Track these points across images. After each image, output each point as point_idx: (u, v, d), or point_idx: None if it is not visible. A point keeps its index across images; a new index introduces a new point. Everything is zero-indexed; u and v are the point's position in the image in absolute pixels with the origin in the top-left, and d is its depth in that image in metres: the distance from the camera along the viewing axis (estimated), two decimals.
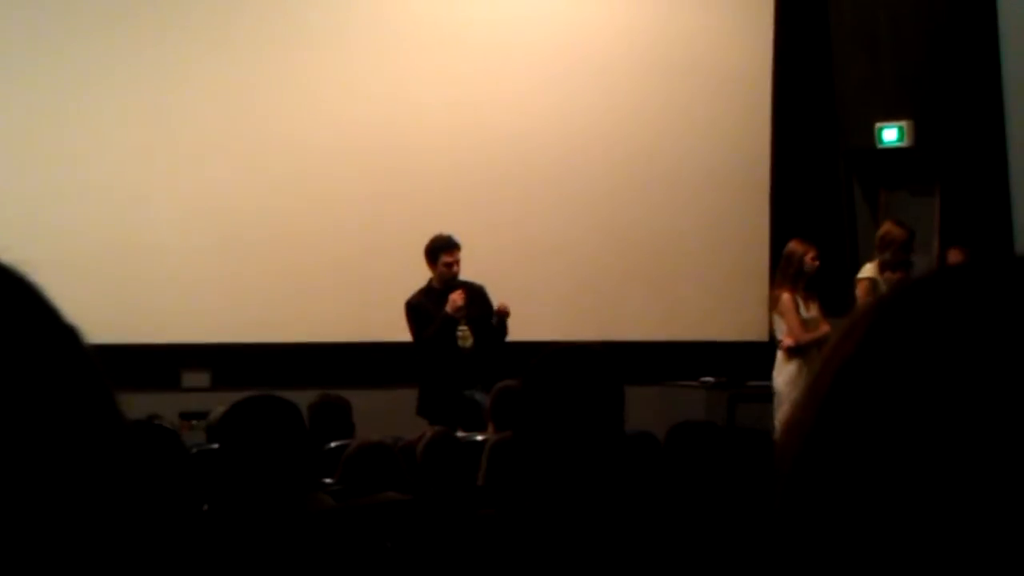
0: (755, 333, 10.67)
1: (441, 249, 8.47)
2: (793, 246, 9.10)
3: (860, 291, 9.14)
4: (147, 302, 9.66)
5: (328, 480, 4.99)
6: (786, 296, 8.96)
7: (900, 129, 10.65)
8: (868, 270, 9.31)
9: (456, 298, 8.34)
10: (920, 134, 10.56)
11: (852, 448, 0.77)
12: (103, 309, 9.46)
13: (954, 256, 9.31)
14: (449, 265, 8.44)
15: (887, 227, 9.42)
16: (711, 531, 3.28)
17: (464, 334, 8.36)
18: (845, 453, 0.77)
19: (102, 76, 9.76)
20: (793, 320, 8.92)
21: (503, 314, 8.46)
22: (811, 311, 8.99)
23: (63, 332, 0.75)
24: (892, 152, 10.76)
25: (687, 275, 10.71)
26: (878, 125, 10.74)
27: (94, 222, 9.62)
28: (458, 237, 8.58)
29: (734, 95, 10.93)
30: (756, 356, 10.40)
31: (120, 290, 9.56)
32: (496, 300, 8.57)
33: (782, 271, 9.12)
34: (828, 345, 0.84)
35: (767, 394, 9.57)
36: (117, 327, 9.46)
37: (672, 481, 3.76)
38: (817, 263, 9.03)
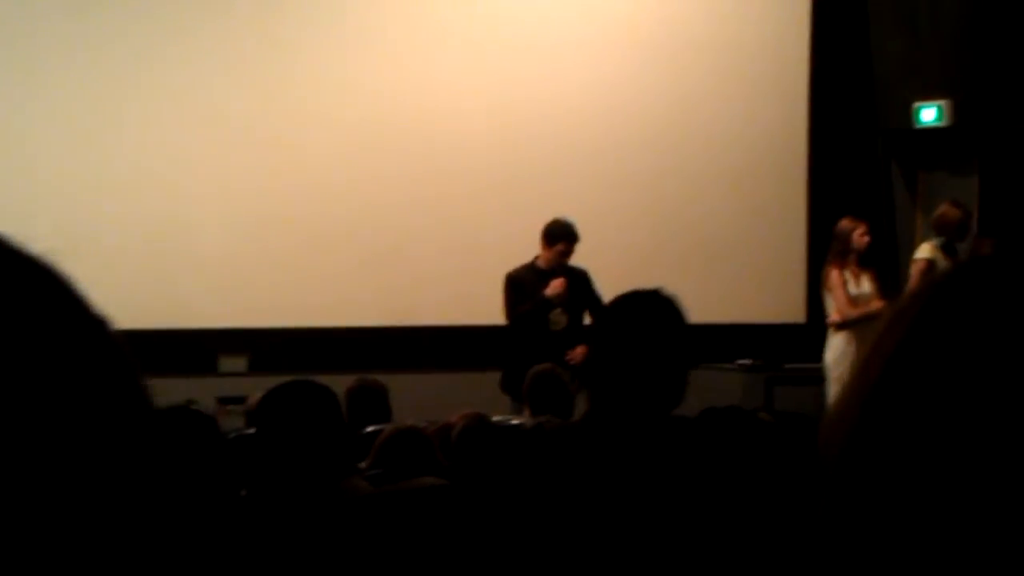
0: (792, 315, 10.65)
1: (562, 236, 8.55)
2: (842, 223, 9.23)
3: (915, 271, 9.17)
4: (184, 287, 9.70)
5: (363, 465, 5.00)
6: (834, 272, 9.11)
7: (939, 108, 10.56)
8: (925, 250, 9.33)
9: (558, 285, 8.42)
10: (959, 113, 10.47)
11: (901, 436, 0.76)
12: (140, 294, 9.52)
13: (985, 247, 9.29)
14: (563, 253, 8.54)
15: (943, 208, 9.45)
16: (742, 515, 3.27)
17: (557, 317, 8.44)
18: (894, 441, 0.77)
19: (137, 64, 9.80)
20: (840, 296, 9.03)
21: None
22: (863, 287, 9.08)
23: (92, 323, 0.75)
24: (930, 132, 10.68)
25: (724, 257, 10.68)
26: (916, 105, 10.67)
27: (130, 207, 9.67)
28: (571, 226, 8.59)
29: (771, 75, 10.88)
30: (794, 338, 10.37)
31: (156, 275, 9.61)
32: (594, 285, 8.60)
33: (831, 247, 9.23)
34: (876, 332, 0.84)
35: (805, 376, 9.58)
36: (154, 312, 9.51)
37: (704, 465, 3.73)
38: (866, 239, 9.13)
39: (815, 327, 9.71)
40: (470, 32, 10.34)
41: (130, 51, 9.78)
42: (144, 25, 9.81)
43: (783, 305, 10.71)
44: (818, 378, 9.16)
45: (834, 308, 9.12)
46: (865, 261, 9.19)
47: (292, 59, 10.04)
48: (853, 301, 9.03)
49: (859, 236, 9.12)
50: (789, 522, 3.07)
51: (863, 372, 0.82)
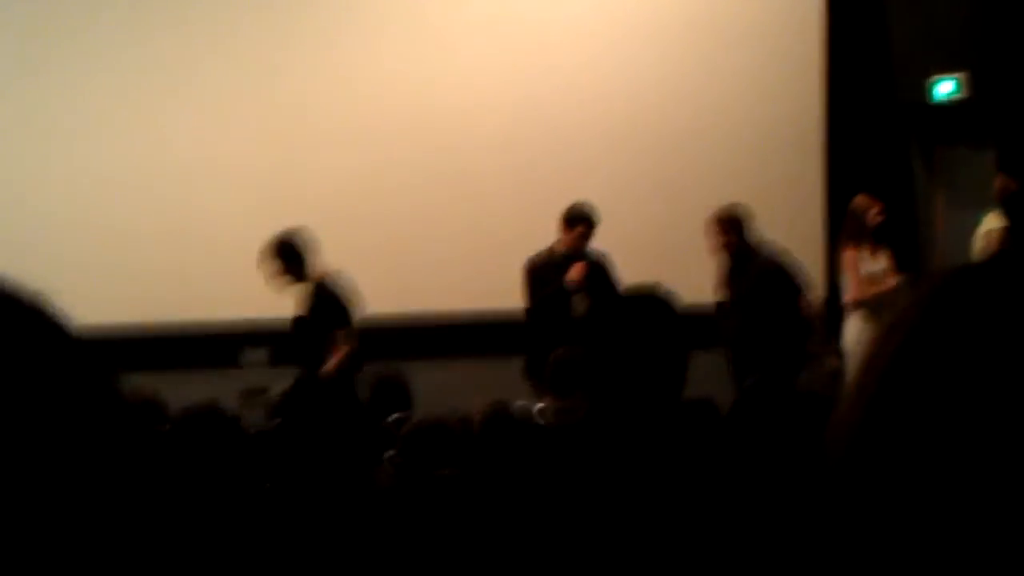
0: (811, 294, 10.61)
1: (582, 219, 8.52)
2: (856, 201, 9.17)
3: (994, 242, 9.17)
4: (203, 282, 9.74)
5: (389, 453, 5.02)
6: (847, 253, 9.05)
7: (956, 81, 10.51)
8: (995, 220, 9.35)
9: (579, 269, 8.41)
10: (976, 86, 10.42)
11: (901, 440, 0.78)
12: (160, 290, 9.55)
13: (1002, 182, 9.37)
14: (583, 236, 8.51)
15: (1001, 180, 9.47)
16: (772, 498, 3.28)
17: (579, 302, 8.42)
18: (894, 445, 0.78)
19: (154, 63, 9.83)
20: (853, 276, 8.98)
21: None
22: (879, 263, 9.03)
23: (48, 332, 0.82)
24: (947, 107, 10.63)
25: None
26: (933, 79, 10.62)
27: (148, 203, 9.70)
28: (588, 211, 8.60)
29: (786, 52, 10.84)
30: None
31: (176, 270, 9.65)
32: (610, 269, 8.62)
33: (844, 227, 9.18)
34: (882, 326, 0.85)
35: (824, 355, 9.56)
36: (175, 307, 9.55)
37: (736, 447, 3.76)
38: (880, 218, 9.06)
39: (835, 306, 9.69)
40: (485, 22, 10.33)
41: (148, 52, 9.81)
42: (162, 26, 9.83)
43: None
44: (838, 357, 9.14)
45: (849, 288, 9.10)
46: (881, 237, 9.15)
47: (308, 55, 10.06)
48: (869, 279, 9.00)
49: (873, 215, 9.09)
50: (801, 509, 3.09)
51: (868, 370, 0.83)
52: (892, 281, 9.03)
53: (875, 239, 9.13)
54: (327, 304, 7.79)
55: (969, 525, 0.75)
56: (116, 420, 0.80)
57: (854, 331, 9.01)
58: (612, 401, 3.00)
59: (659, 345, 3.03)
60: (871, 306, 8.95)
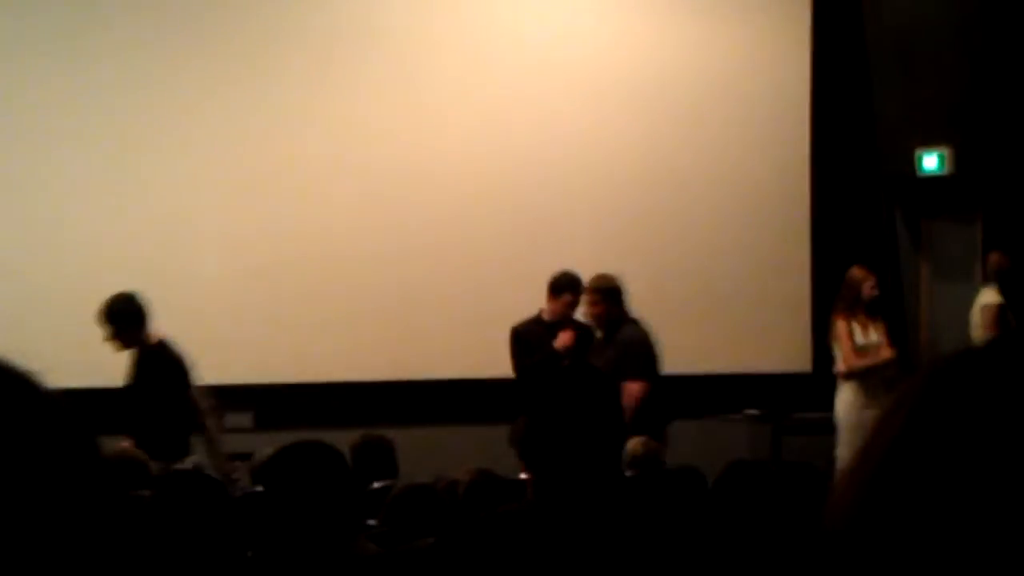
0: (798, 364, 10.62)
1: (568, 288, 8.57)
2: (853, 272, 9.23)
3: (989, 318, 9.22)
4: (187, 344, 9.71)
5: (372, 522, 5.00)
6: (839, 322, 9.11)
7: (940, 156, 10.57)
8: (992, 295, 9.40)
9: (567, 337, 8.44)
10: (960, 162, 10.48)
11: (901, 518, 0.78)
12: None
13: (995, 258, 9.51)
14: (570, 305, 8.56)
15: (996, 258, 9.56)
16: (757, 566, 3.27)
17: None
18: (895, 522, 0.78)
19: (138, 116, 9.86)
20: (845, 346, 9.03)
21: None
22: (872, 336, 9.07)
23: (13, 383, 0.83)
24: (933, 180, 10.68)
25: (727, 306, 10.67)
26: (918, 152, 10.67)
27: (131, 262, 9.70)
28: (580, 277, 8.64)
29: (772, 124, 10.89)
30: (799, 387, 10.34)
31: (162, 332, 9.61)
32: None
33: (839, 297, 9.22)
34: (879, 416, 0.85)
35: (812, 426, 9.57)
36: None
37: (721, 518, 3.73)
38: (875, 292, 9.12)
39: (822, 376, 9.70)
40: (472, 86, 10.38)
41: (133, 103, 9.85)
42: (147, 76, 9.88)
43: (788, 354, 10.68)
44: (825, 427, 9.15)
45: (842, 358, 9.11)
46: (873, 310, 9.19)
47: (294, 114, 10.09)
48: (861, 351, 9.03)
49: (869, 288, 9.13)
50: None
51: (866, 455, 0.83)
52: (885, 353, 9.06)
53: (869, 311, 9.17)
54: (154, 371, 7.65)
55: None
56: (95, 480, 0.80)
57: (845, 401, 9.02)
58: (554, 473, 3.01)
59: (595, 419, 3.03)
60: (863, 377, 8.96)
